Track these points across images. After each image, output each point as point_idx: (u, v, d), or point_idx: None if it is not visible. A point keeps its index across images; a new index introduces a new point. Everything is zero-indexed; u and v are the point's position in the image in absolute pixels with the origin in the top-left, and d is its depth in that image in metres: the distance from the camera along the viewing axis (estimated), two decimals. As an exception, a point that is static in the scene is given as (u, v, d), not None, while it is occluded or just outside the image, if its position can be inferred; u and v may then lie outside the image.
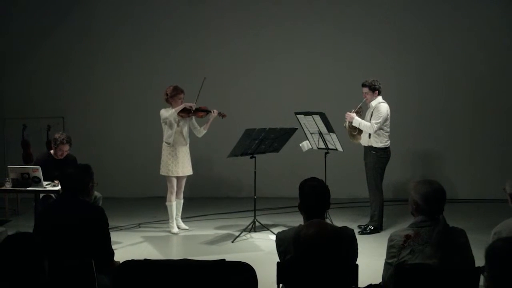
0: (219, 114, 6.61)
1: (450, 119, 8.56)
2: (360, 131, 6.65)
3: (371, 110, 6.54)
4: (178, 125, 6.47)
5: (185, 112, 6.47)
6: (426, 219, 3.14)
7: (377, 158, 6.52)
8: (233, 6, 8.60)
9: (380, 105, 6.48)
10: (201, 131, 6.69)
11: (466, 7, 8.43)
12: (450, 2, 8.46)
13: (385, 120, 6.48)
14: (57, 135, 6.19)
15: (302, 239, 2.64)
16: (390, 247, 3.18)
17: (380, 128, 6.46)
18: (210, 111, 6.57)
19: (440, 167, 8.57)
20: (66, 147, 6.13)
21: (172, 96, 6.46)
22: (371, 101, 6.53)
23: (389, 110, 6.52)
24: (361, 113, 6.67)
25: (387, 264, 3.19)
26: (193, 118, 6.65)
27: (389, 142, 6.55)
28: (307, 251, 2.61)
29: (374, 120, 6.45)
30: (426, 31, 8.48)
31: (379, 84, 6.52)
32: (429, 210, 3.13)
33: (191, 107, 6.45)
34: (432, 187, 3.15)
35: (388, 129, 6.54)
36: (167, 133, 6.50)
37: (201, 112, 6.57)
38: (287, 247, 3.04)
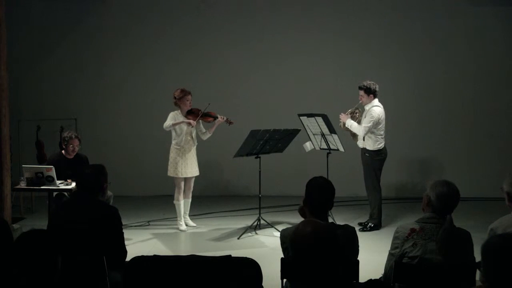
0: (227, 121, 6.67)
1: (449, 119, 8.64)
2: None
3: (365, 113, 6.60)
4: (187, 127, 6.57)
5: (193, 116, 6.56)
6: (434, 216, 3.23)
7: (371, 160, 6.59)
8: (239, 13, 8.69)
9: (373, 109, 6.50)
10: (206, 135, 6.76)
11: (464, 11, 8.51)
12: (448, 6, 8.54)
13: (377, 123, 6.48)
14: (65, 134, 6.34)
15: (297, 238, 2.66)
16: (394, 239, 3.31)
17: (370, 131, 6.48)
18: (217, 117, 6.65)
19: (438, 166, 8.65)
20: (76, 142, 6.22)
21: (180, 98, 6.55)
22: (367, 103, 6.57)
23: (382, 114, 6.53)
24: (357, 114, 6.74)
25: (390, 254, 3.32)
26: (200, 122, 6.73)
27: (382, 144, 6.59)
28: (303, 249, 2.62)
29: (364, 123, 6.50)
30: (424, 35, 8.56)
31: (375, 87, 6.53)
32: (439, 208, 3.22)
33: (190, 123, 6.48)
34: (449, 188, 3.25)
35: (382, 132, 6.56)
36: (175, 136, 6.61)
37: (210, 117, 6.65)
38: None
